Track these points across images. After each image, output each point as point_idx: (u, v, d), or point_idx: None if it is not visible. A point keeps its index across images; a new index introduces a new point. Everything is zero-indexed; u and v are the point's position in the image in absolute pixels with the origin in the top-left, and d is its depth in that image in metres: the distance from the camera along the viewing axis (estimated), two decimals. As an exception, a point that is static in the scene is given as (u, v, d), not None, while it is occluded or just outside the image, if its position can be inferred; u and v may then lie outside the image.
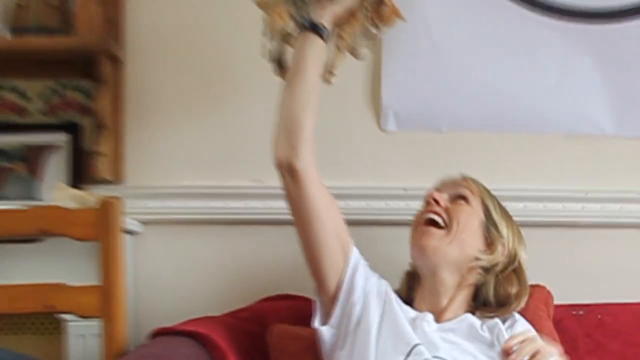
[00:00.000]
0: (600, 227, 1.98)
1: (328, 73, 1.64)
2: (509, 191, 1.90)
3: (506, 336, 1.53)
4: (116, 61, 1.98)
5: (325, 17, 1.59)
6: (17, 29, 1.95)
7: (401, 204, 1.97)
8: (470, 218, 1.63)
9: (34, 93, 2.03)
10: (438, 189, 1.68)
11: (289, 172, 1.55)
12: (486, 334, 1.55)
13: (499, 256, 1.62)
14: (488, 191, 1.69)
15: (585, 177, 2.00)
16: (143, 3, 2.02)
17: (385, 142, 2.00)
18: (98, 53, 1.90)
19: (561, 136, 2.00)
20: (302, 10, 1.58)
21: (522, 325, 1.61)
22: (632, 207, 1.97)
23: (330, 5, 1.59)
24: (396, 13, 1.65)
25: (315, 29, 1.58)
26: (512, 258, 1.64)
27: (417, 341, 1.50)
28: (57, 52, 1.91)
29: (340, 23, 1.64)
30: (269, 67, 1.94)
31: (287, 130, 1.55)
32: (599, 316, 1.83)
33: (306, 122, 1.54)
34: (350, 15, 1.64)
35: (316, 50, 1.58)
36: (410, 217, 1.90)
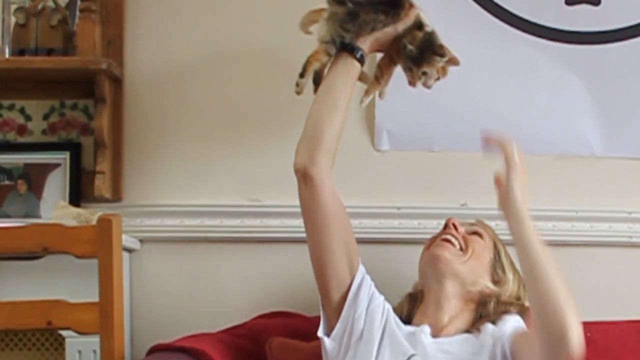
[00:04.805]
0: (589, 245, 1.98)
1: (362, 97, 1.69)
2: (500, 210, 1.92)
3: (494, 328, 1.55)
4: (116, 81, 1.98)
5: (361, 40, 1.60)
6: (18, 50, 1.95)
7: (394, 222, 1.97)
8: (484, 251, 1.68)
9: (35, 112, 2.03)
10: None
11: (304, 177, 1.57)
12: (478, 340, 1.56)
13: (505, 292, 1.65)
14: (500, 239, 1.73)
15: (575, 197, 1.99)
16: (142, 23, 2.02)
17: (378, 161, 2.00)
18: (98, 73, 1.90)
19: (551, 156, 1.99)
20: (339, 40, 1.60)
21: (509, 319, 1.60)
22: (620, 226, 1.97)
23: (370, 33, 1.61)
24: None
25: (347, 48, 1.60)
26: (516, 299, 1.67)
27: (412, 352, 1.52)
28: (58, 71, 1.92)
29: (384, 50, 1.66)
30: (266, 89, 1.95)
31: (309, 139, 1.58)
32: (589, 334, 1.75)
33: (327, 134, 1.57)
34: (393, 42, 1.64)
35: (347, 69, 1.60)
36: (403, 236, 1.94)
